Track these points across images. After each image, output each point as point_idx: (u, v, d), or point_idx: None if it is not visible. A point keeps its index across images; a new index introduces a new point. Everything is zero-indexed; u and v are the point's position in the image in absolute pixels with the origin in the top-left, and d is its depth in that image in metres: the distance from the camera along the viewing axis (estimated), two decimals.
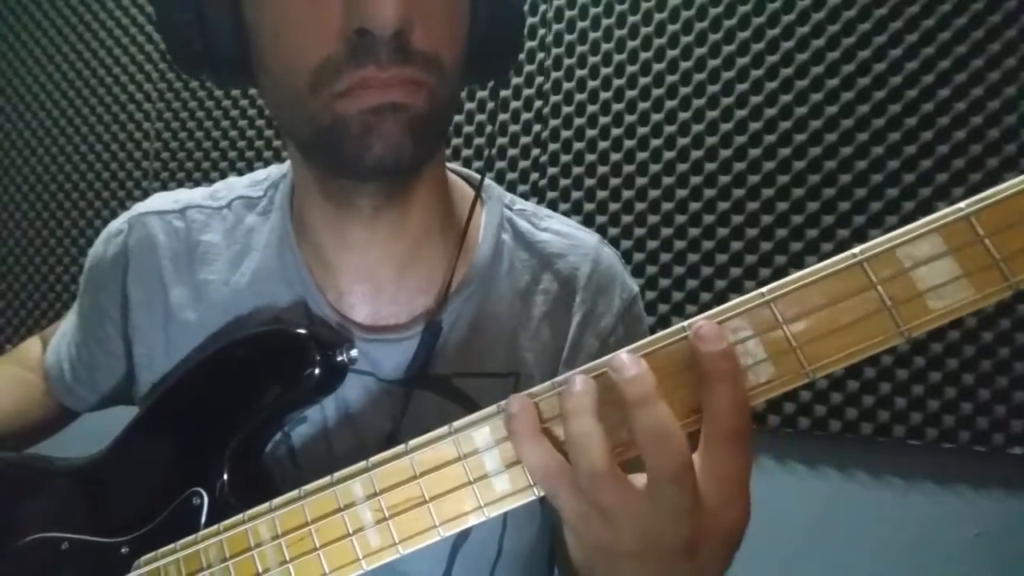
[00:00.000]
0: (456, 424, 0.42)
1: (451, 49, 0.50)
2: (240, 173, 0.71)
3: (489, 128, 1.49)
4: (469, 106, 1.51)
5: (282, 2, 0.47)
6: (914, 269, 0.35)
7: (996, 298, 0.34)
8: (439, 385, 0.60)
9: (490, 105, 1.49)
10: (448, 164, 0.67)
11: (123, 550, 0.54)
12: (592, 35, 1.42)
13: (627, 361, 0.36)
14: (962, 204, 0.34)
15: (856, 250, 0.36)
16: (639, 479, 0.37)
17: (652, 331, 0.43)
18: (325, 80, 0.47)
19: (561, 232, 0.67)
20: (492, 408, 0.42)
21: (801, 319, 0.36)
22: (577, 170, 1.43)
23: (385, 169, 0.49)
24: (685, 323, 0.38)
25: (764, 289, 0.37)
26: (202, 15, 0.50)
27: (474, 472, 0.41)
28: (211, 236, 0.65)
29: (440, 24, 0.48)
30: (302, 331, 0.56)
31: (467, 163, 1.50)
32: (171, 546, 0.51)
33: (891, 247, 0.35)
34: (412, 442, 0.43)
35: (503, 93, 1.48)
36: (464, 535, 0.59)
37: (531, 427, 0.39)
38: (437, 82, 0.49)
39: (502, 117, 1.48)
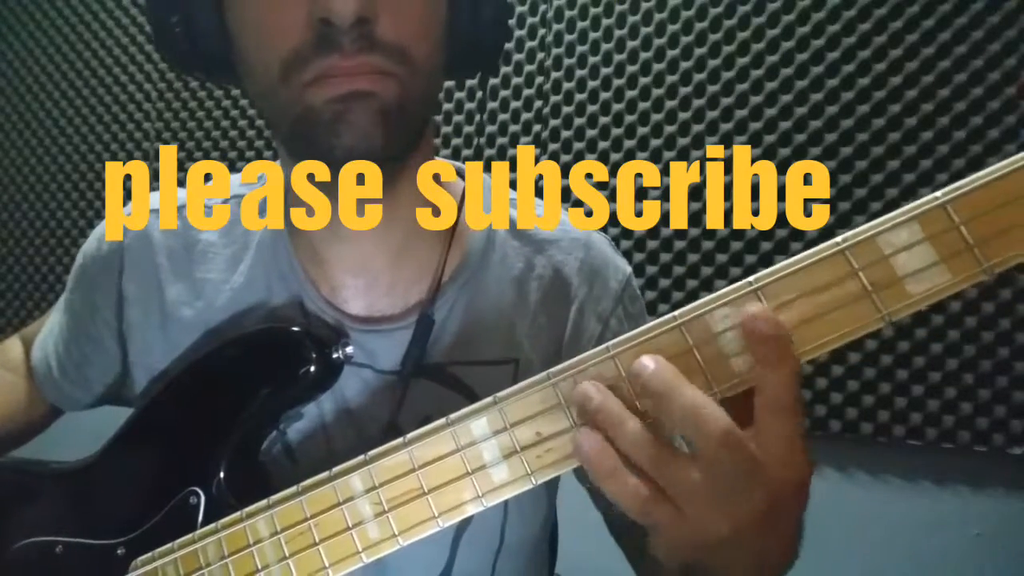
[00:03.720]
0: (453, 416, 0.43)
1: (422, 42, 0.51)
2: (239, 173, 0.71)
3: (490, 128, 1.49)
4: (469, 106, 1.51)
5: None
6: (894, 256, 0.36)
7: (971, 282, 0.36)
8: (436, 374, 0.60)
9: (491, 105, 1.49)
10: (440, 159, 0.67)
11: (119, 551, 0.54)
12: (592, 35, 1.42)
13: (645, 360, 0.37)
14: (938, 193, 0.36)
15: (839, 239, 0.37)
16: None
17: None
18: (294, 70, 0.48)
19: None
20: (488, 400, 0.42)
21: (787, 306, 0.38)
22: None
23: (357, 159, 0.50)
24: (675, 313, 0.39)
25: (751, 278, 0.38)
26: (188, 16, 0.53)
27: (472, 463, 0.42)
28: (209, 235, 0.65)
29: (408, 17, 0.49)
30: (297, 329, 0.56)
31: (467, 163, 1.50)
32: (168, 546, 0.51)
33: (872, 235, 0.37)
34: (410, 435, 0.43)
35: (503, 93, 1.48)
36: (466, 524, 0.60)
37: (611, 459, 0.38)
38: (406, 73, 0.50)
39: (502, 117, 1.48)
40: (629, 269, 0.68)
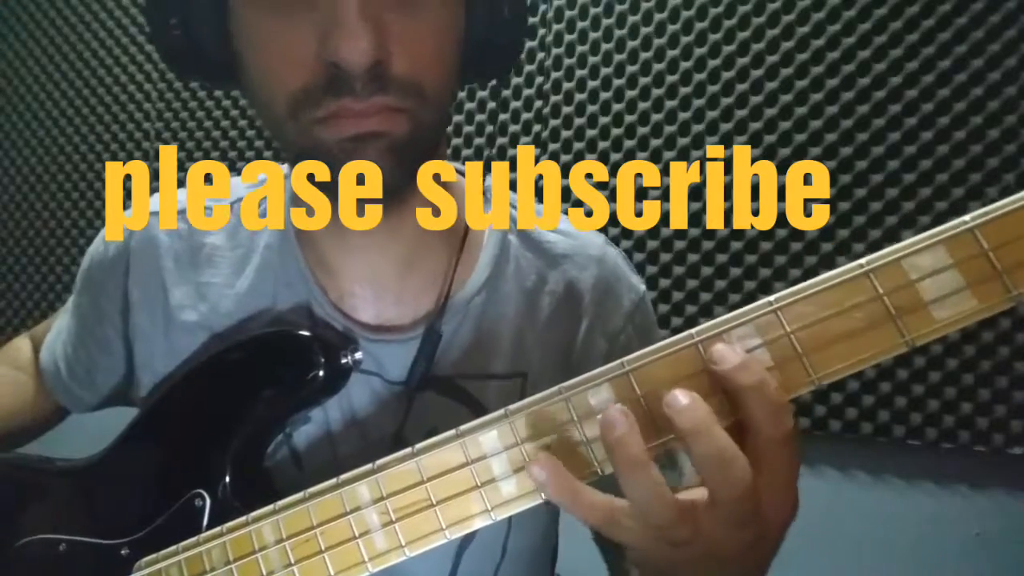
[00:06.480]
0: (463, 428, 0.42)
1: (435, 72, 0.49)
2: (239, 174, 0.71)
3: (489, 128, 1.49)
4: (469, 106, 1.51)
5: (261, 27, 0.47)
6: (920, 280, 0.35)
7: (998, 309, 0.35)
8: (444, 386, 0.60)
9: (491, 105, 1.49)
10: (453, 163, 0.66)
11: (123, 552, 0.54)
12: (592, 35, 1.41)
13: (678, 394, 0.35)
14: (967, 217, 0.35)
15: (863, 260, 0.36)
16: (697, 493, 0.37)
17: None
18: (303, 107, 0.47)
19: (567, 232, 0.66)
20: (499, 412, 0.41)
21: (807, 328, 0.37)
22: None
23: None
24: (693, 331, 0.38)
25: (772, 298, 0.37)
26: (187, 20, 0.50)
27: (481, 476, 0.41)
28: (214, 238, 0.64)
29: (421, 50, 0.47)
30: (306, 333, 0.56)
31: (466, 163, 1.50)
32: (173, 548, 0.51)
33: (897, 258, 0.36)
34: (419, 446, 0.43)
35: (503, 93, 1.48)
36: (470, 537, 0.59)
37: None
38: (418, 106, 0.48)
39: (502, 117, 1.48)
40: (643, 288, 0.67)
